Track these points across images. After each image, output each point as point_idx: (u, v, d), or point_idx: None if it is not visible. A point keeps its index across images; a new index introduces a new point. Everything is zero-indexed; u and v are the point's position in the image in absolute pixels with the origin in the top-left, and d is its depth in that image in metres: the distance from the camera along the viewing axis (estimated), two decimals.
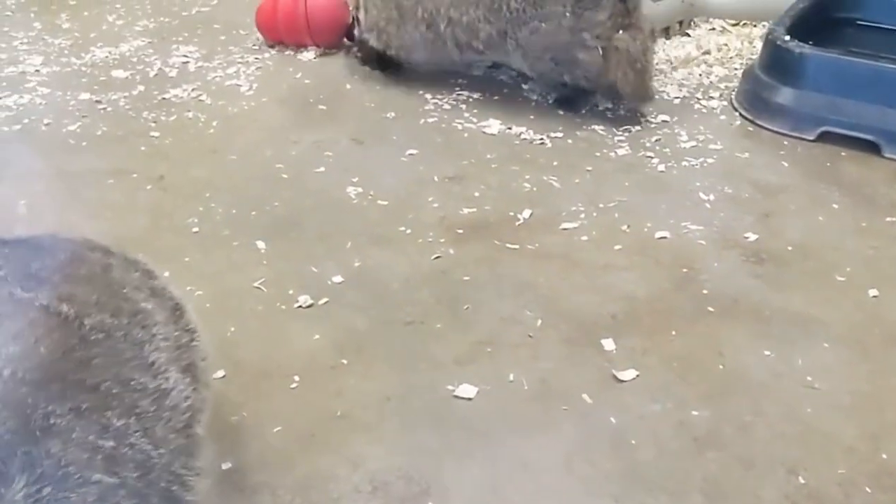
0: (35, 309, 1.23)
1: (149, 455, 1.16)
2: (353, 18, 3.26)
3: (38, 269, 1.33)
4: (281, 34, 3.42)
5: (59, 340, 1.20)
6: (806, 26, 2.93)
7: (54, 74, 3.27)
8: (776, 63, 2.84)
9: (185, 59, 3.36)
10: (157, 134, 2.82)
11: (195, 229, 2.31)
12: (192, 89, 3.12)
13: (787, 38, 2.81)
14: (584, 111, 2.93)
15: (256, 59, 3.36)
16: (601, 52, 2.76)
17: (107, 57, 3.41)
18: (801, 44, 2.77)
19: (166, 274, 2.09)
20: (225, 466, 1.57)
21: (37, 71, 3.29)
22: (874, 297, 2.02)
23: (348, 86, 3.15)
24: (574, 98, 2.93)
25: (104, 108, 3.00)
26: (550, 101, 3.00)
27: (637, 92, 2.83)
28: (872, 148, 2.62)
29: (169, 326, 1.39)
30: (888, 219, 2.32)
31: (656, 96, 2.95)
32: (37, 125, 2.89)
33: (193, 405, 1.31)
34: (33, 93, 3.11)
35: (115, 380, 1.20)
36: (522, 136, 2.78)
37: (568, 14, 2.75)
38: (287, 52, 3.39)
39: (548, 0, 2.75)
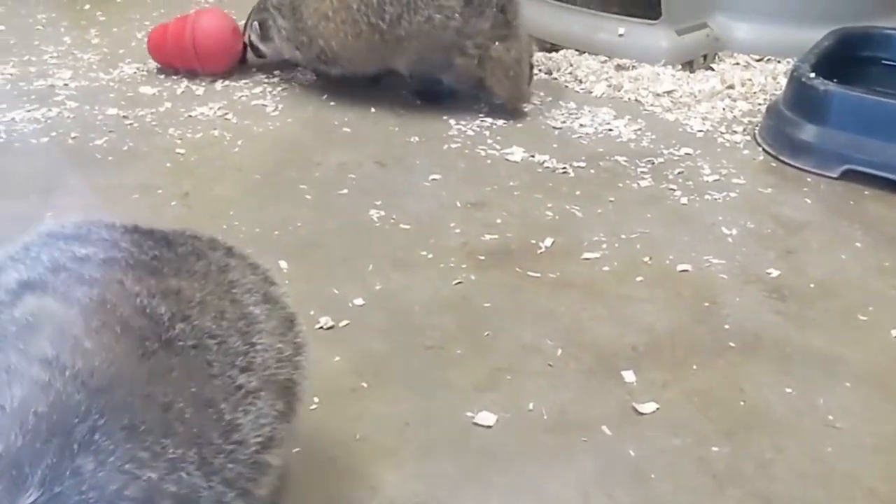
0: (132, 305, 1.18)
1: (196, 489, 1.08)
2: (246, 44, 3.38)
3: (156, 257, 1.30)
4: (171, 59, 3.40)
5: (140, 343, 1.13)
6: (831, 64, 2.94)
7: (83, 89, 3.31)
8: (800, 100, 2.85)
9: (211, 78, 3.39)
10: (182, 151, 2.85)
11: None
12: (219, 108, 3.15)
13: (812, 75, 2.82)
14: (445, 104, 3.16)
15: (282, 79, 3.40)
16: (476, 61, 3.03)
17: (135, 73, 3.45)
18: (825, 81, 2.77)
19: None
20: None
21: (65, 85, 3.33)
22: None
23: (372, 109, 3.17)
24: (438, 94, 3.18)
25: (131, 124, 3.03)
26: (412, 94, 3.20)
27: (511, 96, 3.13)
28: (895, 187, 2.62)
29: (274, 337, 1.33)
30: None
31: (532, 99, 3.22)
32: (64, 138, 2.92)
33: (271, 435, 1.24)
34: (61, 106, 3.14)
35: (189, 400, 1.12)
36: (545, 165, 2.79)
37: (457, 15, 2.96)
38: (311, 75, 3.42)
39: None
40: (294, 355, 1.37)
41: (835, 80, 2.79)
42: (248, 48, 3.40)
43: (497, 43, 3.02)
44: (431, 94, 3.19)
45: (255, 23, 3.31)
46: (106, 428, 1.02)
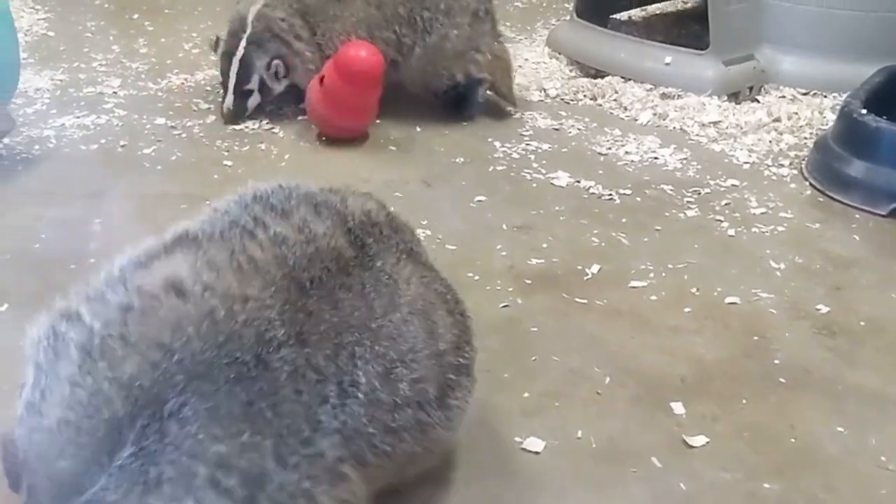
0: (249, 313, 1.30)
1: (266, 473, 1.24)
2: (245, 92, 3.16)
3: (321, 272, 1.40)
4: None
5: (238, 347, 1.27)
6: (880, 101, 2.92)
7: (131, 97, 3.34)
8: (850, 135, 2.83)
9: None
10: (230, 163, 2.87)
11: None
12: (266, 122, 3.17)
13: (864, 111, 2.80)
14: (472, 113, 3.30)
15: None
16: (490, 56, 3.30)
17: (182, 84, 3.49)
18: (877, 118, 2.76)
19: None
20: None
21: (114, 93, 3.37)
22: None
23: (418, 128, 3.18)
24: (461, 101, 3.30)
25: (179, 134, 3.05)
26: (441, 105, 3.30)
27: (509, 94, 3.40)
28: None
29: (374, 407, 1.37)
30: None
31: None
32: (113, 146, 2.95)
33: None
34: (111, 114, 3.18)
35: (271, 406, 1.26)
36: (591, 191, 2.78)
37: (467, 26, 3.22)
38: None
39: (456, 13, 3.20)
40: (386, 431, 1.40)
41: (885, 117, 2.77)
42: (249, 95, 3.14)
43: (496, 43, 3.36)
44: (457, 98, 3.29)
45: (277, 62, 3.11)
46: (193, 404, 1.21)
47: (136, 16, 4.32)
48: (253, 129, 3.11)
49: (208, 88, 3.44)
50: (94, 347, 1.24)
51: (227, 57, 3.13)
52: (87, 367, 1.23)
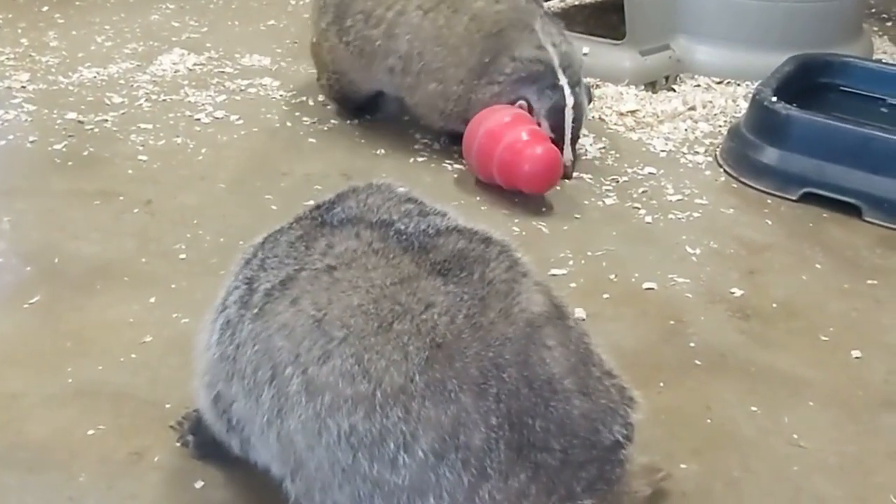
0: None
1: None
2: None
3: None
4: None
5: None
6: (791, 89, 2.99)
7: (41, 92, 3.25)
8: (762, 123, 2.90)
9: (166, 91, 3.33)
10: (144, 157, 2.80)
11: (182, 256, 2.29)
12: (182, 116, 3.10)
13: (774, 99, 2.87)
14: None
15: (248, 87, 3.36)
16: None
17: (95, 77, 3.40)
18: (787, 106, 2.82)
19: (152, 300, 2.09)
20: None
21: (23, 87, 3.27)
22: (857, 358, 2.05)
23: (335, 121, 3.15)
24: None
25: (91, 129, 2.98)
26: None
27: None
28: (854, 210, 2.66)
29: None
30: (869, 281, 2.35)
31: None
32: (22, 142, 2.86)
33: None
34: (19, 109, 3.08)
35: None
36: None
37: None
38: (276, 83, 3.40)
39: None
40: None
41: (795, 105, 2.84)
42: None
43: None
44: None
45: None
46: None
47: (45, 8, 4.19)
48: (169, 123, 3.05)
49: (122, 82, 3.36)
50: None
51: (559, 111, 2.78)
52: None
